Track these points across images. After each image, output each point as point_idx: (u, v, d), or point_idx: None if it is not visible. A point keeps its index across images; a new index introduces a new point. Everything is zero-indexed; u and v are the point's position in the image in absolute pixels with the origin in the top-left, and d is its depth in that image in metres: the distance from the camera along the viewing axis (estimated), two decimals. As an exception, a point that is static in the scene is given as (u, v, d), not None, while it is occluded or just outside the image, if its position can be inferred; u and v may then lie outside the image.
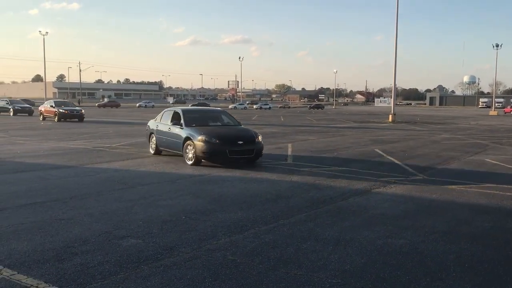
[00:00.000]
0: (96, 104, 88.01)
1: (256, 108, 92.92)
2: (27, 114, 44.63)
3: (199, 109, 20.52)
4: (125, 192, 9.18)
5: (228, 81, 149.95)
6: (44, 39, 74.19)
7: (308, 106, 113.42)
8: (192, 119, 14.24)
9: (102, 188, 9.56)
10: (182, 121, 13.98)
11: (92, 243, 5.92)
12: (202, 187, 9.84)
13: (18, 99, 62.11)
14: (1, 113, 45.13)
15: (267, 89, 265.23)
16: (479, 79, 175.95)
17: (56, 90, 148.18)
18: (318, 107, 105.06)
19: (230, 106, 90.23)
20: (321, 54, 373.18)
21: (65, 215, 7.32)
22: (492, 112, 73.76)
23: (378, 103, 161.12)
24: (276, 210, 7.90)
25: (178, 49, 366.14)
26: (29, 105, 48.05)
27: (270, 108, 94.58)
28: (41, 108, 38.74)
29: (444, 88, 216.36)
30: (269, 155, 15.52)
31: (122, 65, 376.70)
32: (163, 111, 16.07)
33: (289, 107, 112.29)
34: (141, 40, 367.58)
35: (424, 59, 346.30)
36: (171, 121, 14.42)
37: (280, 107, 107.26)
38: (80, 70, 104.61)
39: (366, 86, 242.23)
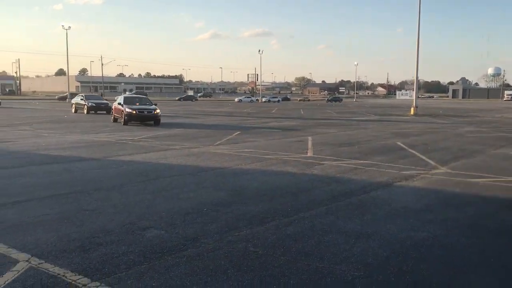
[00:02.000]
0: (177, 98, 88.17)
1: (265, 101, 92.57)
2: (104, 112, 36.14)
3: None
4: (148, 184, 9.30)
5: (248, 74, 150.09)
6: (67, 33, 75.25)
7: (326, 99, 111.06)
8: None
9: (125, 180, 9.70)
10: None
11: (116, 233, 6.02)
12: (223, 180, 9.89)
13: (94, 94, 60.32)
14: (78, 111, 38.15)
15: (286, 82, 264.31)
16: (504, 71, 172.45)
17: (78, 84, 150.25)
18: (336, 100, 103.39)
19: (236, 99, 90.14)
20: (342, 46, 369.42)
21: (90, 206, 7.46)
22: (518, 105, 72.09)
23: (400, 96, 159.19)
24: (297, 203, 7.91)
25: (199, 43, 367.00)
26: (106, 101, 39.22)
27: (279, 101, 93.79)
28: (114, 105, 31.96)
29: (467, 80, 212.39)
30: (290, 149, 15.51)
31: (143, 59, 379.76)
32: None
33: (308, 100, 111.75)
34: (162, 34, 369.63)
35: (446, 51, 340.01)
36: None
37: (299, 100, 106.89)
38: (102, 64, 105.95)
39: (387, 78, 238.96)
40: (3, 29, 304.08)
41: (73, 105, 39.44)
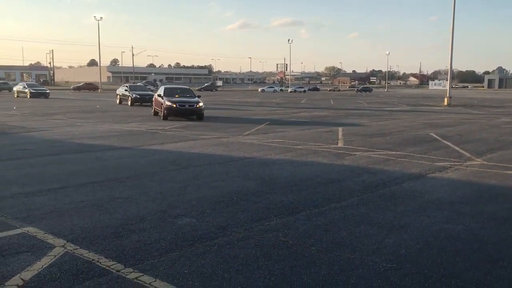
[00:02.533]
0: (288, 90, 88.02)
1: (291, 91, 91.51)
2: (149, 104, 30.01)
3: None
4: (178, 173, 9.39)
5: (277, 64, 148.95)
6: (98, 24, 76.36)
7: (356, 89, 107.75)
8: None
9: (156, 168, 9.83)
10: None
11: (149, 221, 6.11)
12: (252, 169, 9.90)
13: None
14: (122, 102, 35.72)
15: (316, 72, 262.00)
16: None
17: (110, 74, 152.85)
18: (365, 90, 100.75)
19: (259, 90, 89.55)
20: (373, 35, 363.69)
21: (122, 194, 7.59)
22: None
23: (433, 86, 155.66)
24: (328, 193, 7.84)
25: (228, 33, 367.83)
26: (152, 92, 34.53)
27: (305, 91, 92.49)
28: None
29: (504, 70, 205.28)
30: (320, 139, 15.39)
31: (173, 50, 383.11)
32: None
33: (338, 90, 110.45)
34: (192, 24, 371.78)
35: (482, 39, 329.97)
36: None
37: (329, 90, 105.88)
38: (133, 55, 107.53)
39: (420, 68, 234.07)
40: (37, 20, 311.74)
41: (118, 96, 36.91)
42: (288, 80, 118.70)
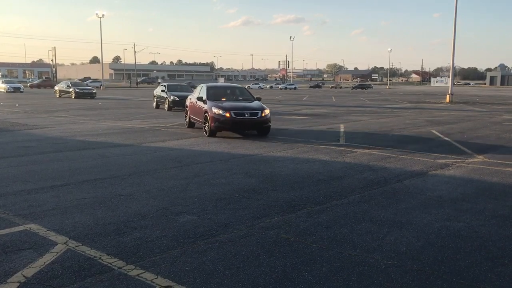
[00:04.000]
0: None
1: (281, 88, 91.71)
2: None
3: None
4: (180, 170, 9.40)
5: (279, 61, 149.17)
6: (101, 21, 76.35)
7: (351, 86, 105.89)
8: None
9: (158, 166, 9.84)
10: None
11: (150, 218, 6.12)
12: (254, 167, 9.91)
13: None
14: (160, 106, 28.65)
15: (318, 69, 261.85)
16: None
17: (112, 71, 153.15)
18: (362, 87, 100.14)
19: (250, 86, 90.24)
20: (376, 32, 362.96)
21: (124, 191, 7.61)
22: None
23: (435, 83, 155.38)
24: (329, 190, 7.84)
25: (230, 30, 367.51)
26: None
27: (295, 88, 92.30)
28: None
29: (506, 67, 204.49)
30: (321, 136, 15.38)
31: (175, 47, 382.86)
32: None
33: (340, 87, 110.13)
34: (194, 21, 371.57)
35: (484, 36, 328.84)
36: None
37: (331, 87, 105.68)
38: (135, 52, 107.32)
39: (422, 65, 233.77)
40: (40, 17, 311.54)
41: (154, 99, 29.28)
42: (290, 77, 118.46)
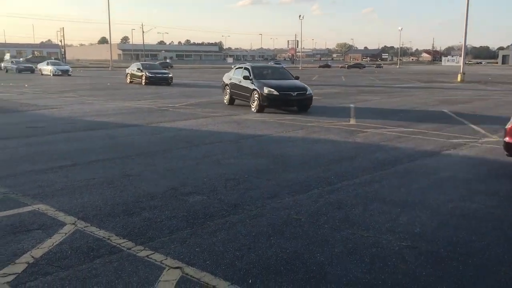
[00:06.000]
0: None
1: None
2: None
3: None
4: (189, 151, 9.32)
5: (288, 41, 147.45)
6: (109, 1, 75.70)
7: (346, 65, 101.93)
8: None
9: (167, 146, 9.77)
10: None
11: (159, 198, 6.06)
12: (264, 147, 9.80)
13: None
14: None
15: (327, 48, 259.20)
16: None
17: (120, 52, 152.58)
18: (356, 66, 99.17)
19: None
20: (387, 11, 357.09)
21: (133, 171, 7.55)
22: None
23: (446, 62, 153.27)
24: (340, 170, 7.72)
25: (239, 9, 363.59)
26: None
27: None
28: None
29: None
30: (332, 116, 15.20)
31: (184, 27, 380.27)
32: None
33: (346, 67, 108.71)
34: (203, 1, 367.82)
35: (497, 14, 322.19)
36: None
37: (341, 67, 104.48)
38: (143, 32, 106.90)
39: (433, 44, 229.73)
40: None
41: (226, 90, 19.00)
42: (299, 57, 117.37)
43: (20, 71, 52.17)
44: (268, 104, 15.84)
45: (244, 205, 5.82)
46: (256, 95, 15.98)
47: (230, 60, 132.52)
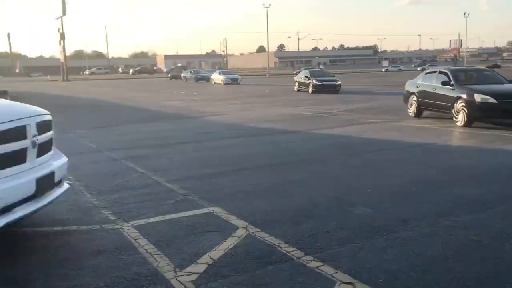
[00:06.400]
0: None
1: (384, 71, 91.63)
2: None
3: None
4: (350, 159, 9.17)
5: (450, 41, 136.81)
6: (267, 11, 79.31)
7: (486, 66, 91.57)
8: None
9: (326, 153, 9.75)
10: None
11: (324, 207, 6.03)
12: (430, 157, 9.17)
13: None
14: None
15: (496, 47, 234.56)
16: None
17: (277, 60, 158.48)
18: (495, 67, 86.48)
19: (383, 70, 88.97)
20: None
21: (296, 178, 7.67)
22: None
23: None
24: (525, 187, 6.81)
25: (396, 10, 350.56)
26: None
27: (400, 70, 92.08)
28: None
29: None
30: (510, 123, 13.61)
31: (338, 32, 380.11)
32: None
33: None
34: (357, 4, 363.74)
35: None
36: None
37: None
38: (298, 39, 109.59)
39: None
40: (212, 11, 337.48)
41: (411, 100, 16.18)
42: (464, 57, 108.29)
43: (197, 80, 59.13)
44: (481, 115, 12.87)
45: (414, 221, 5.46)
46: (462, 104, 13.10)
47: (385, 63, 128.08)
